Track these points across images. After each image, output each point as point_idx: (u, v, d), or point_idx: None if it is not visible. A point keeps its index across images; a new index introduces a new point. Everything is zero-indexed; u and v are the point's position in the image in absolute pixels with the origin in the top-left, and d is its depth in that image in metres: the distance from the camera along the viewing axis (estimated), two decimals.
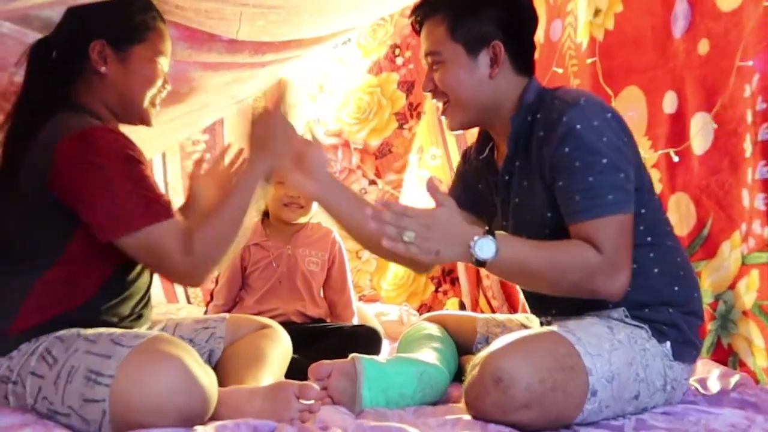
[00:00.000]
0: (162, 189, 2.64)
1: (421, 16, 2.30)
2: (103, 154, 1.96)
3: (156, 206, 2.00)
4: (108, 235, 1.97)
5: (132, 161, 2.01)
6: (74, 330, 2.00)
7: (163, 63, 2.26)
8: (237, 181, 2.21)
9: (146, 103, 2.25)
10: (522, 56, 2.29)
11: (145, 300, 2.29)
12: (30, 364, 1.93)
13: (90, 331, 1.99)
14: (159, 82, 2.26)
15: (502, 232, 2.03)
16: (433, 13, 2.26)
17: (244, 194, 2.18)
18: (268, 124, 2.25)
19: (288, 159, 2.29)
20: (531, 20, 2.34)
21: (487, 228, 2.00)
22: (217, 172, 2.60)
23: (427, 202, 2.16)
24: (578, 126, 2.08)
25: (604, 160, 2.06)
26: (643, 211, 2.17)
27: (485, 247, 1.94)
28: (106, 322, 2.11)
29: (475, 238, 1.95)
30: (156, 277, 2.30)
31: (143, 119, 2.27)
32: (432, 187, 2.06)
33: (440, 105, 2.35)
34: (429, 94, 2.35)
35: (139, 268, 2.21)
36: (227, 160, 2.62)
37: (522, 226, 2.27)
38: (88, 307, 2.08)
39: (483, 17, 2.22)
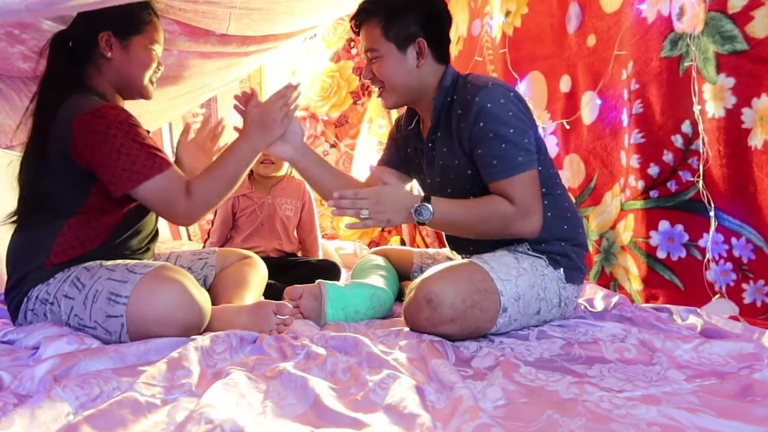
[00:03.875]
0: (168, 150, 2.60)
1: (359, 20, 2.27)
2: (112, 125, 1.92)
3: (160, 159, 1.97)
4: (126, 187, 1.93)
5: (134, 127, 1.97)
6: (97, 262, 1.99)
7: (157, 49, 2.21)
8: (232, 146, 2.18)
9: (145, 81, 2.20)
10: (440, 49, 2.27)
11: (151, 236, 2.28)
12: (64, 288, 1.92)
13: (109, 263, 1.98)
14: (154, 65, 2.21)
15: (437, 197, 2.03)
16: (369, 18, 2.23)
17: (243, 159, 2.16)
18: (267, 110, 2.23)
19: (280, 136, 2.28)
20: (446, 20, 2.30)
21: (424, 195, 2.01)
22: (200, 140, 2.56)
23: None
24: (489, 105, 2.07)
25: (512, 130, 2.06)
26: (539, 168, 2.15)
27: (424, 211, 1.97)
28: (121, 255, 2.10)
29: (415, 205, 1.97)
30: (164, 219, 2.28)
31: (143, 94, 2.23)
32: (377, 172, 2.10)
33: (377, 89, 2.32)
34: (369, 81, 2.34)
35: (144, 212, 2.18)
36: (208, 130, 2.58)
37: (447, 181, 2.26)
38: (105, 245, 2.07)
39: (409, 20, 2.19)
